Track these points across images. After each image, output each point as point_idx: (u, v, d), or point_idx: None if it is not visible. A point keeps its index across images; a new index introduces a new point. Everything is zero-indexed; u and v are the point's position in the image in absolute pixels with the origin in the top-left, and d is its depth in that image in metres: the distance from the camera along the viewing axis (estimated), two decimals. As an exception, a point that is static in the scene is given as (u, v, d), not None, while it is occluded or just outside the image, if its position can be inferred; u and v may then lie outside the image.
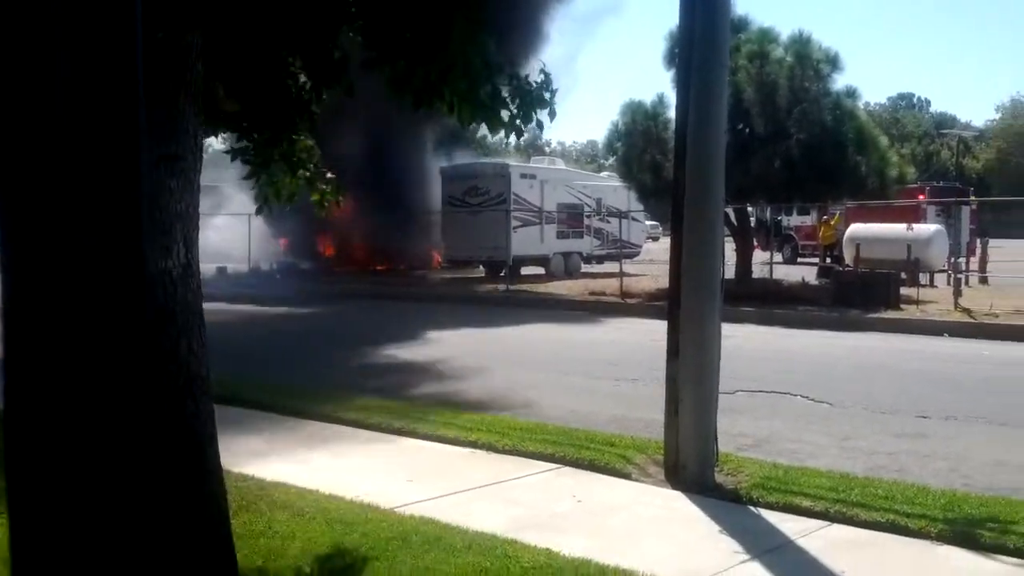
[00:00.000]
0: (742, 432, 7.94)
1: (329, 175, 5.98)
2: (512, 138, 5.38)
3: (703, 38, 6.22)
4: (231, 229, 25.80)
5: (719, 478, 6.24)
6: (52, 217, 3.03)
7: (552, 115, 5.33)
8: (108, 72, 3.03)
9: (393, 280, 26.82)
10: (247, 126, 5.54)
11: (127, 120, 3.06)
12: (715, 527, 5.45)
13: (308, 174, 5.78)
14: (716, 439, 6.33)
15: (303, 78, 5.49)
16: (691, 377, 6.27)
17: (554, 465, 6.63)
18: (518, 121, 5.16)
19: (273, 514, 5.27)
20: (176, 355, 3.75)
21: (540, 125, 5.34)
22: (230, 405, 7.86)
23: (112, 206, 3.05)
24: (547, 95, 5.22)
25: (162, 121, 4.01)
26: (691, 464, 6.20)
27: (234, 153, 5.60)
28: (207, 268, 12.79)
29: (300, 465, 6.58)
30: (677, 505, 5.87)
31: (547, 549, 4.83)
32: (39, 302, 3.06)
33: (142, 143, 3.10)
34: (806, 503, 5.68)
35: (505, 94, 5.11)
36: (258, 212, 5.87)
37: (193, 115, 4.35)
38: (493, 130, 5.14)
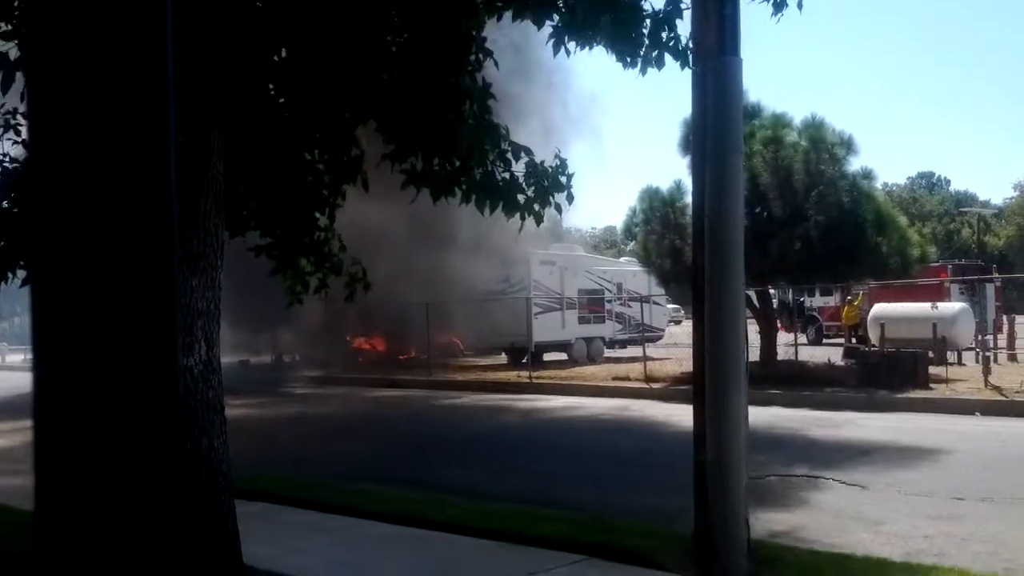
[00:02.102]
0: (774, 518, 7.76)
1: (355, 260, 6.03)
2: (530, 223, 5.42)
3: (716, 125, 6.28)
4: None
5: (753, 567, 6.07)
6: (83, 316, 3.05)
7: (570, 199, 5.37)
8: (141, 173, 3.08)
9: (416, 369, 26.83)
10: (269, 222, 5.63)
11: (161, 218, 3.10)
12: (750, 619, 5.28)
13: (331, 264, 5.84)
14: (748, 525, 6.18)
15: (323, 174, 5.59)
16: (719, 462, 6.16)
17: (581, 556, 6.48)
18: (535, 205, 5.21)
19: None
20: (197, 453, 3.73)
21: (559, 208, 5.39)
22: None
23: (144, 305, 3.07)
24: (563, 178, 5.27)
25: (184, 220, 4.07)
26: (723, 552, 6.04)
27: (258, 249, 5.66)
28: (228, 361, 12.83)
29: (322, 562, 6.45)
30: (710, 596, 5.71)
31: (577, 645, 4.69)
32: (69, 402, 3.06)
33: (175, 240, 3.15)
34: (843, 592, 5.51)
35: (521, 179, 5.17)
36: (288, 306, 5.90)
37: (215, 214, 4.43)
38: (509, 214, 5.18)
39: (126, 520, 3.05)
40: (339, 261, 6.02)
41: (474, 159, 4.98)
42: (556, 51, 5.57)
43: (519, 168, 5.26)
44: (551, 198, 5.34)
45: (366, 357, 29.27)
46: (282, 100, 5.25)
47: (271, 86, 5.14)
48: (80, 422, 3.05)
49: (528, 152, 5.27)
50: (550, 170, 5.31)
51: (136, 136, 3.04)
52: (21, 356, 41.39)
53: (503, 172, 5.18)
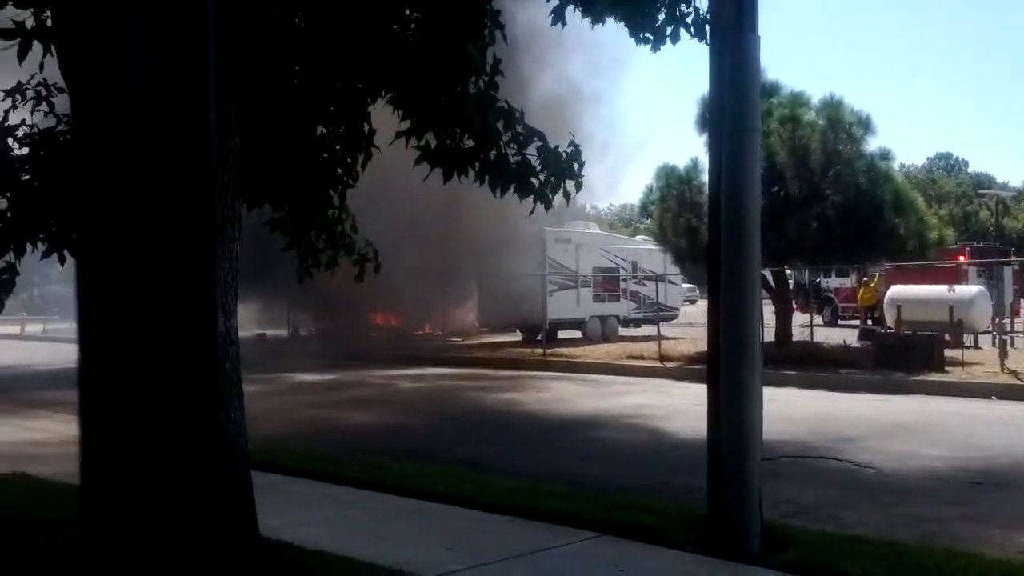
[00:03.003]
0: (787, 499, 7.76)
1: (368, 242, 6.03)
2: (540, 207, 5.40)
3: (733, 104, 6.23)
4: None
5: (766, 546, 6.07)
6: (123, 291, 3.07)
7: (579, 187, 5.35)
8: (184, 140, 3.09)
9: (432, 345, 26.89)
10: (283, 197, 5.63)
11: (201, 185, 3.10)
12: (762, 598, 5.29)
13: (346, 242, 5.84)
14: (761, 506, 6.18)
15: (336, 150, 5.57)
16: (733, 442, 6.16)
17: (594, 533, 6.50)
18: (547, 190, 5.19)
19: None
20: (215, 423, 3.75)
21: (567, 196, 5.36)
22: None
23: (186, 274, 3.09)
24: (576, 166, 5.25)
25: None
26: (737, 533, 6.05)
27: (273, 224, 5.67)
28: (246, 335, 12.89)
29: (337, 532, 6.50)
30: (723, 574, 5.72)
31: (589, 621, 4.71)
32: (113, 376, 3.09)
33: (214, 207, 3.16)
34: (857, 572, 5.49)
35: (536, 163, 5.15)
36: (300, 281, 5.91)
37: (232, 186, 4.43)
38: (522, 197, 5.17)
39: (162, 486, 3.08)
40: (351, 241, 6.02)
41: (488, 138, 4.96)
42: (553, 22, 5.52)
43: (532, 151, 5.23)
44: (563, 184, 5.32)
45: (381, 333, 29.37)
46: (298, 69, 5.24)
47: (287, 57, 5.13)
48: (122, 391, 3.09)
49: (542, 137, 5.24)
50: (564, 155, 5.28)
51: (178, 104, 3.04)
52: (41, 327, 41.73)
53: (516, 155, 5.16)
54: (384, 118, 5.57)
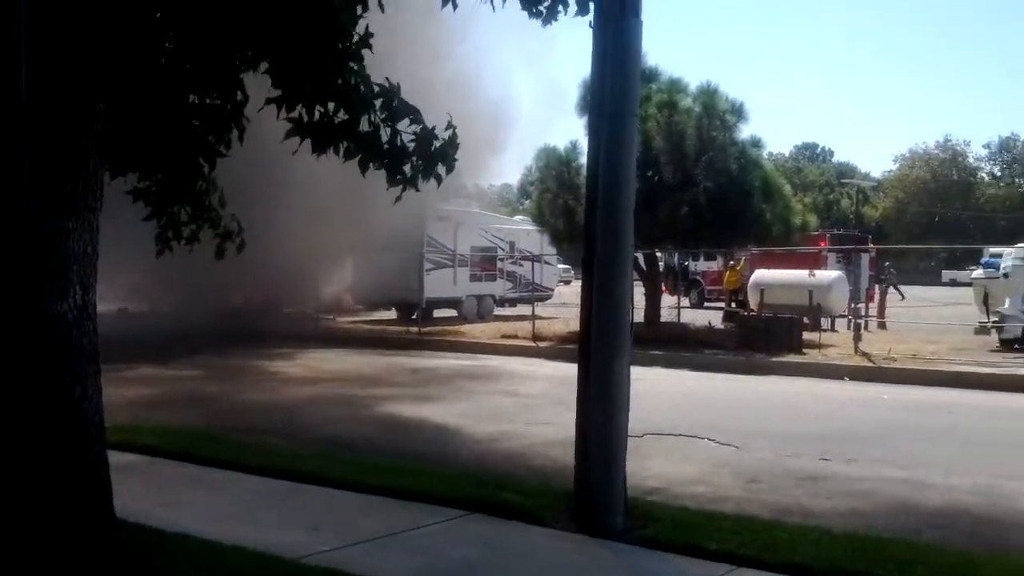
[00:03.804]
0: (651, 475, 7.99)
1: (233, 216, 5.85)
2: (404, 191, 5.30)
3: (614, 87, 6.33)
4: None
5: (629, 522, 6.24)
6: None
7: (450, 170, 5.31)
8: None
9: (300, 322, 26.34)
10: (150, 166, 5.41)
11: (12, 160, 2.97)
12: (625, 572, 5.44)
13: (211, 215, 5.65)
14: (625, 483, 6.35)
15: (207, 118, 5.38)
16: (600, 420, 6.29)
17: (463, 512, 6.55)
18: (419, 173, 5.13)
19: (173, 567, 5.06)
20: (69, 401, 3.60)
21: (439, 179, 5.30)
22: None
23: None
24: (450, 151, 5.20)
25: (61, 160, 3.89)
26: (601, 509, 6.19)
27: (136, 193, 5.45)
28: (106, 309, 12.42)
29: (197, 516, 6.34)
30: (587, 550, 5.85)
31: (456, 599, 4.75)
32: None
33: (26, 182, 3.01)
34: (714, 547, 5.71)
35: (409, 144, 5.07)
36: (158, 255, 5.68)
37: (95, 154, 4.24)
38: (391, 180, 5.09)
39: (9, 463, 2.94)
40: (217, 215, 5.82)
41: (351, 104, 4.82)
42: (444, 3, 5.47)
43: (404, 127, 5.13)
44: (434, 168, 5.25)
45: (245, 310, 28.31)
46: (171, 34, 5.03)
47: (156, 22, 4.92)
48: None
49: (416, 115, 5.14)
50: (440, 141, 5.20)
51: None
52: None
53: (389, 136, 5.07)
54: (263, 89, 5.40)
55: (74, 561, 3.27)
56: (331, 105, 4.84)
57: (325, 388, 14.31)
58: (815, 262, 26.06)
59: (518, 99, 44.38)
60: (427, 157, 5.06)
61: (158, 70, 5.04)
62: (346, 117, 4.86)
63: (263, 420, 11.05)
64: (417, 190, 5.21)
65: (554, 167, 21.06)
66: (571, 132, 33.06)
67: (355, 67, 4.76)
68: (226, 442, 8.88)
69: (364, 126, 4.94)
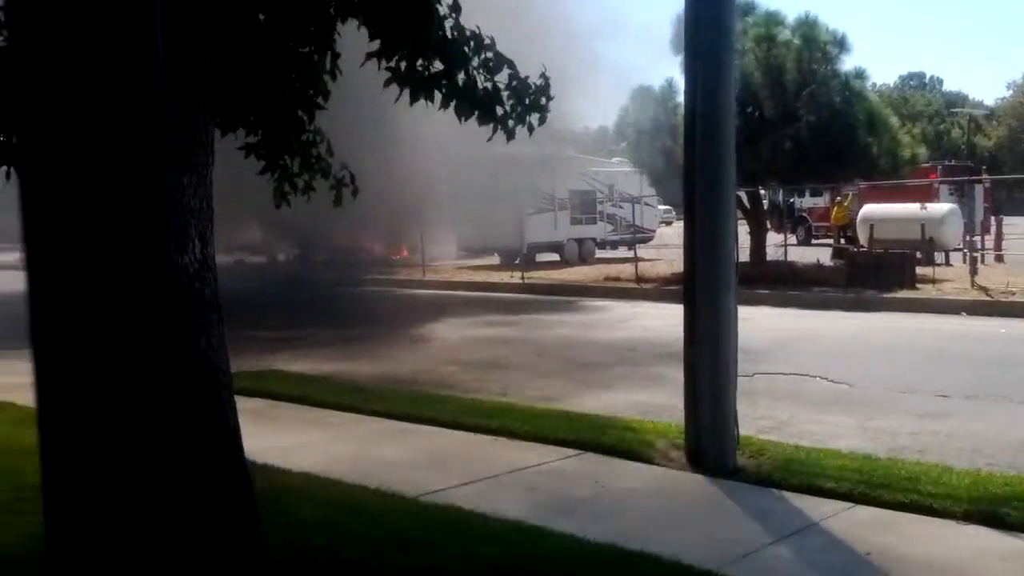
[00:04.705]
0: (763, 415, 7.91)
1: (344, 165, 5.95)
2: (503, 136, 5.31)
3: (709, 23, 6.18)
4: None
5: (741, 461, 6.22)
6: (73, 213, 3.04)
7: (543, 120, 5.29)
8: (131, 69, 3.04)
9: (410, 268, 26.80)
10: (256, 121, 5.53)
11: (151, 115, 3.07)
12: (739, 510, 5.43)
13: (322, 166, 5.76)
14: (736, 422, 6.31)
15: (306, 70, 5.45)
16: (709, 361, 6.25)
17: (576, 451, 6.62)
18: (512, 119, 5.13)
19: (300, 505, 5.27)
20: (196, 352, 3.75)
21: (531, 129, 5.30)
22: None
23: (135, 203, 3.07)
24: (544, 100, 5.18)
25: (174, 117, 4.00)
26: (713, 448, 6.18)
27: (248, 148, 5.58)
28: (224, 260, 12.81)
29: (323, 455, 6.58)
30: (700, 489, 5.86)
31: (571, 535, 4.82)
32: (63, 301, 3.07)
33: (166, 139, 3.12)
34: (829, 485, 5.64)
35: (504, 92, 5.07)
36: (277, 207, 5.84)
37: (204, 110, 4.35)
38: (482, 123, 5.10)
39: (130, 420, 3.10)
40: (327, 164, 5.93)
41: (451, 59, 4.85)
42: None
43: (501, 78, 5.13)
44: (528, 117, 5.24)
45: (365, 258, 29.17)
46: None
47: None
48: (75, 320, 3.07)
49: (512, 66, 5.14)
50: (532, 87, 5.20)
51: (121, 25, 2.98)
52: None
53: (485, 82, 5.08)
54: (361, 44, 5.45)
55: (207, 503, 3.43)
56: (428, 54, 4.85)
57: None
58: (926, 195, 25.13)
59: (612, 39, 43.60)
60: (522, 106, 5.05)
61: (257, 24, 5.12)
62: (441, 68, 4.88)
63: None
64: (510, 138, 5.20)
65: (650, 107, 20.73)
66: (667, 72, 32.40)
67: (450, 19, 4.76)
68: (342, 387, 9.14)
69: (460, 77, 4.95)
